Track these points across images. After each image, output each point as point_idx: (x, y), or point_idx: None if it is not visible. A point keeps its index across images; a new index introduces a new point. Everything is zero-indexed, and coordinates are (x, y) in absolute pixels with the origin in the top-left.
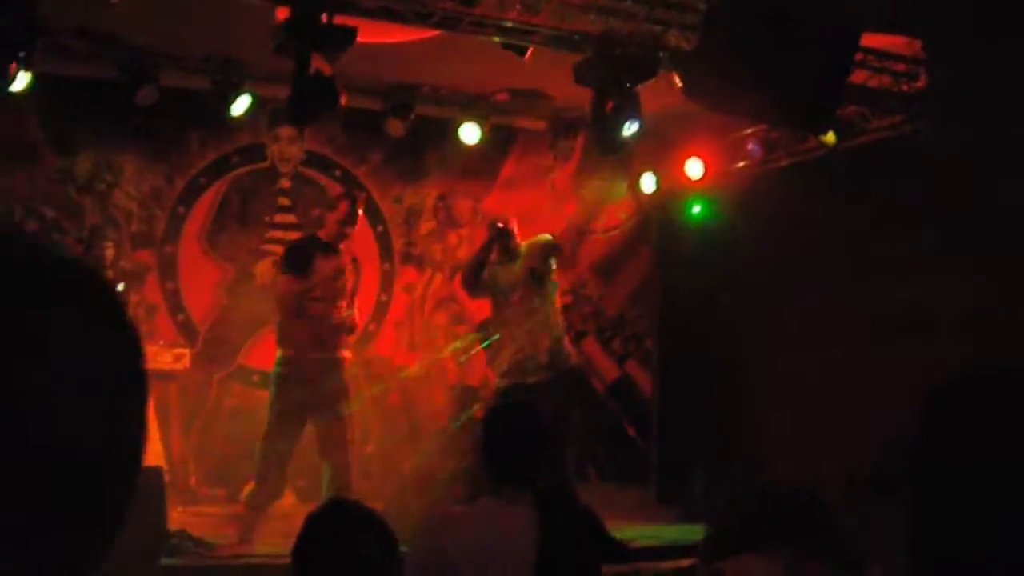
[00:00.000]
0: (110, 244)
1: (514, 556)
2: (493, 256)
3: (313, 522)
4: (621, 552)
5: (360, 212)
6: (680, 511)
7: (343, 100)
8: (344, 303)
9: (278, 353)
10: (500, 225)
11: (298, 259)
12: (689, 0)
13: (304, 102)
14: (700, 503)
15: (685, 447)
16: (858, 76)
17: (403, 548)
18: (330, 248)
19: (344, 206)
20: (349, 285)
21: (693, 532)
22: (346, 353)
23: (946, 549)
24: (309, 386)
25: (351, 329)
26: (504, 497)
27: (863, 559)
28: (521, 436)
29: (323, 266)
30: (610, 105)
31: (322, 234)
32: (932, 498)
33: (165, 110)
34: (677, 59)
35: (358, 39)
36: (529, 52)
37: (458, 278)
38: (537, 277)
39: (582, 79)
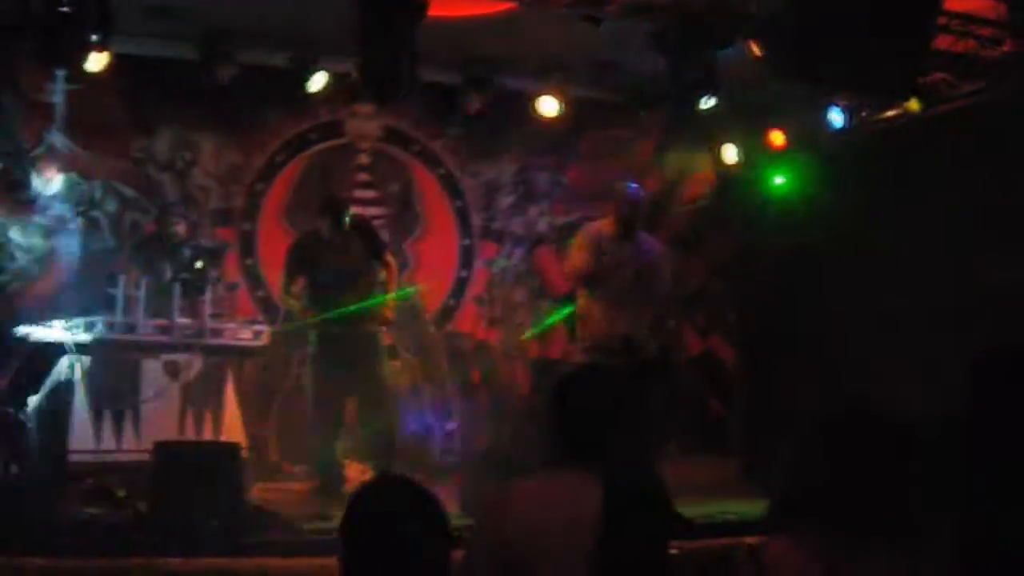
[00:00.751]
0: (181, 221)
1: (575, 531)
2: (610, 229)
3: (357, 500)
4: (687, 528)
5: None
6: (765, 486)
7: (418, 75)
8: (363, 280)
9: (310, 333)
10: (634, 201)
11: (294, 261)
12: None
13: (376, 78)
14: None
15: (769, 421)
16: (942, 41)
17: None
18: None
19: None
20: (359, 262)
21: None
22: (376, 328)
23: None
24: (341, 363)
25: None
26: (568, 471)
27: (916, 542)
28: (586, 409)
29: (329, 254)
30: (688, 75)
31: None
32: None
33: (243, 88)
34: (755, 26)
35: (430, 13)
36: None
37: (573, 254)
38: (643, 276)
39: (658, 49)
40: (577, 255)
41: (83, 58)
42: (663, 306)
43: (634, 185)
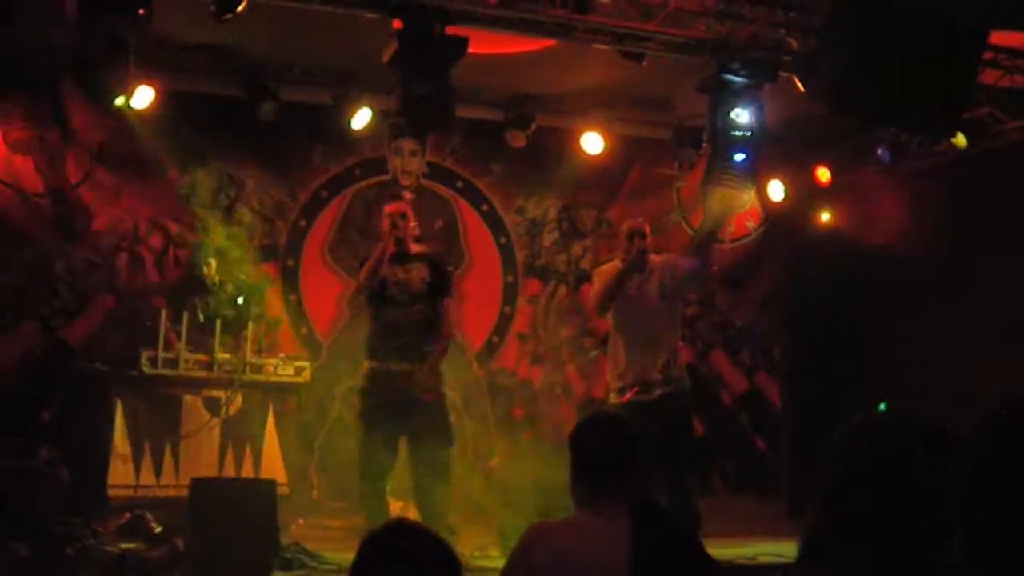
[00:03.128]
0: (212, 260)
1: (605, 571)
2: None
3: (367, 546)
4: (717, 570)
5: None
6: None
7: (457, 111)
8: (420, 306)
9: (364, 365)
10: (641, 247)
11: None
12: (810, 2)
13: (417, 114)
14: None
15: (816, 460)
16: (989, 76)
17: None
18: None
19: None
20: (422, 287)
21: None
22: (434, 363)
23: None
24: (395, 400)
25: (441, 339)
26: (597, 512)
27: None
28: (610, 449)
29: (393, 271)
30: (730, 110)
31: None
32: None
33: (287, 124)
34: (798, 62)
35: (471, 50)
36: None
37: (590, 292)
38: (666, 294)
39: (700, 85)
40: (593, 294)
41: (127, 95)
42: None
43: (636, 222)
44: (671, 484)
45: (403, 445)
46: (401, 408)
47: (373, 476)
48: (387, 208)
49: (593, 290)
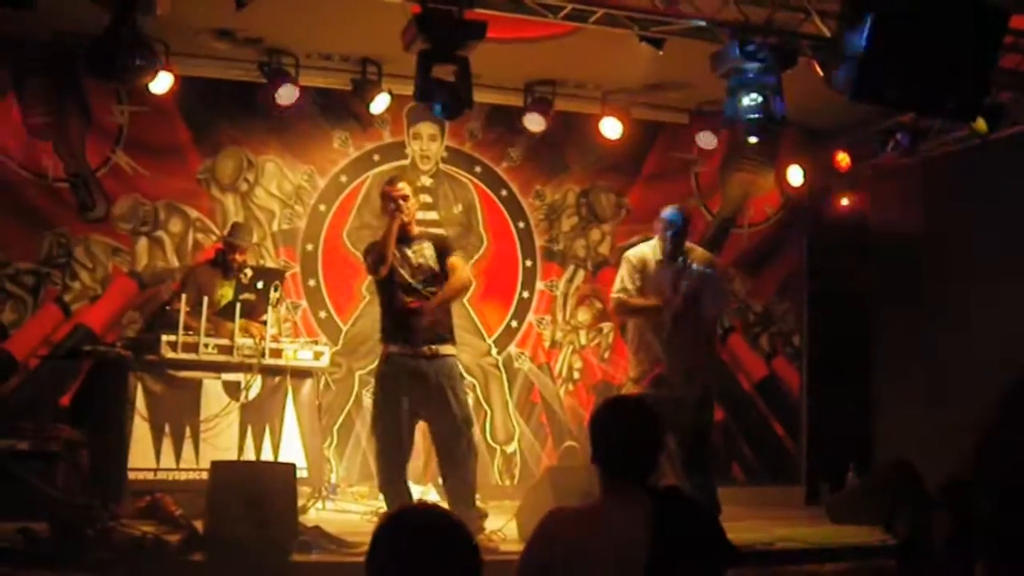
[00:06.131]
0: (244, 247)
1: (624, 557)
2: (654, 253)
3: (383, 529)
4: (735, 556)
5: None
6: (829, 511)
7: (476, 96)
8: (433, 288)
9: (381, 351)
10: (673, 225)
11: (372, 256)
12: None
13: (436, 99)
14: (849, 503)
15: (835, 446)
16: (1009, 60)
17: None
18: (411, 238)
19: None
20: (433, 267)
21: (839, 533)
22: (450, 349)
23: None
24: (411, 384)
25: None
26: (617, 496)
27: None
28: (630, 433)
29: (402, 254)
30: (750, 95)
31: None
32: None
33: (306, 109)
34: (818, 47)
35: (489, 34)
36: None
37: (615, 279)
38: (693, 302)
39: (719, 70)
40: (618, 282)
41: (146, 79)
42: (712, 328)
43: (674, 209)
44: (690, 469)
45: (424, 430)
46: (419, 393)
47: (393, 461)
48: (389, 190)
49: (620, 284)
